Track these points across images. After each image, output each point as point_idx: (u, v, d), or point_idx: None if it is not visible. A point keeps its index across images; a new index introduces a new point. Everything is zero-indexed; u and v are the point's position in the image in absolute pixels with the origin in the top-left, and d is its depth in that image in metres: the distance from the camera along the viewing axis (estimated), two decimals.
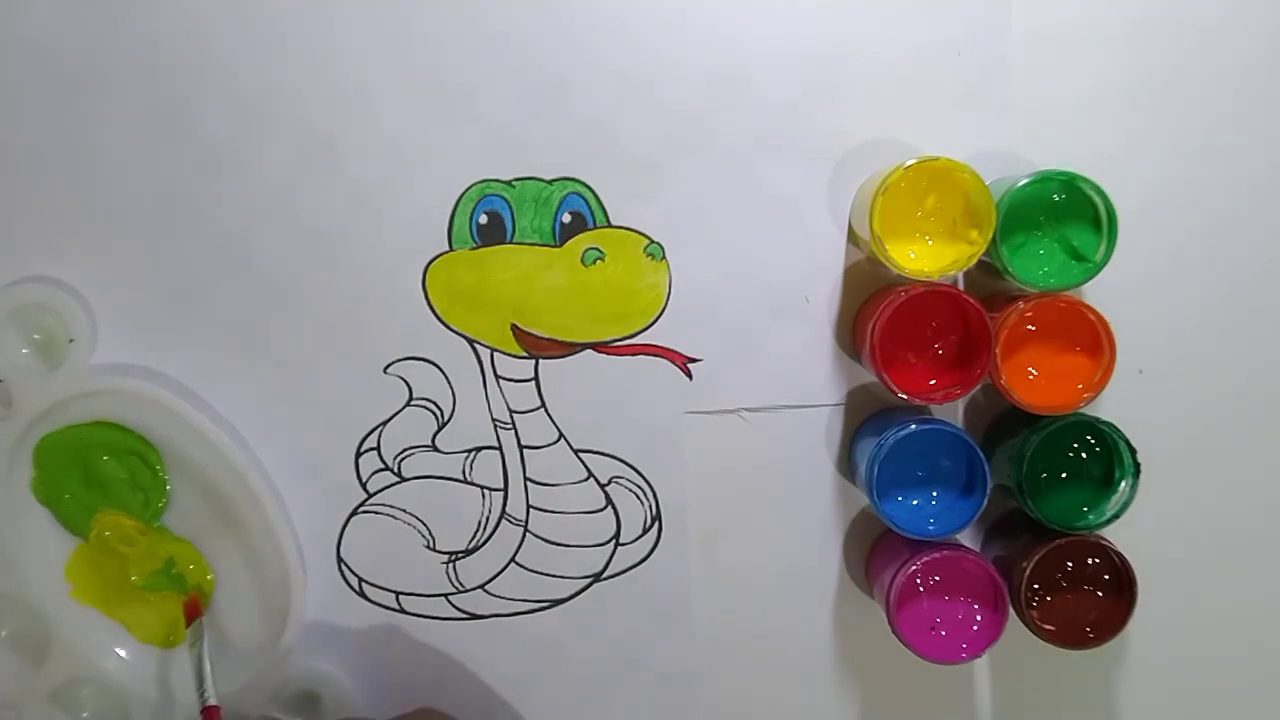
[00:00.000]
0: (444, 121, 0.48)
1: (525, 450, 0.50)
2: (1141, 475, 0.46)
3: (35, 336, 0.48)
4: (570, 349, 0.49)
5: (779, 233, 0.49)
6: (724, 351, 0.50)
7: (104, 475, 0.48)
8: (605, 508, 0.50)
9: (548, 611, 0.51)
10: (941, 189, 0.46)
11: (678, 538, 0.51)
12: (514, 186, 0.49)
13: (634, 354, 0.49)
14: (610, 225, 0.49)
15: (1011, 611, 0.47)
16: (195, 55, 0.48)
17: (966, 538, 0.50)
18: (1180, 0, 0.49)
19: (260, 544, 0.48)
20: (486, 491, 0.50)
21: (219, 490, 0.48)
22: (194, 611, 0.49)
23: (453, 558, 0.51)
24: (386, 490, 0.50)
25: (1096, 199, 0.45)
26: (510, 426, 0.50)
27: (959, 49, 0.48)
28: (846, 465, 0.50)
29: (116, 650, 0.50)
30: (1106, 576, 0.47)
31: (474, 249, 0.49)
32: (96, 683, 0.49)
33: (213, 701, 0.46)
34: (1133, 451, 0.46)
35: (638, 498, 0.50)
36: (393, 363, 0.49)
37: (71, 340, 0.47)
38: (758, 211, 0.49)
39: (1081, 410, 0.46)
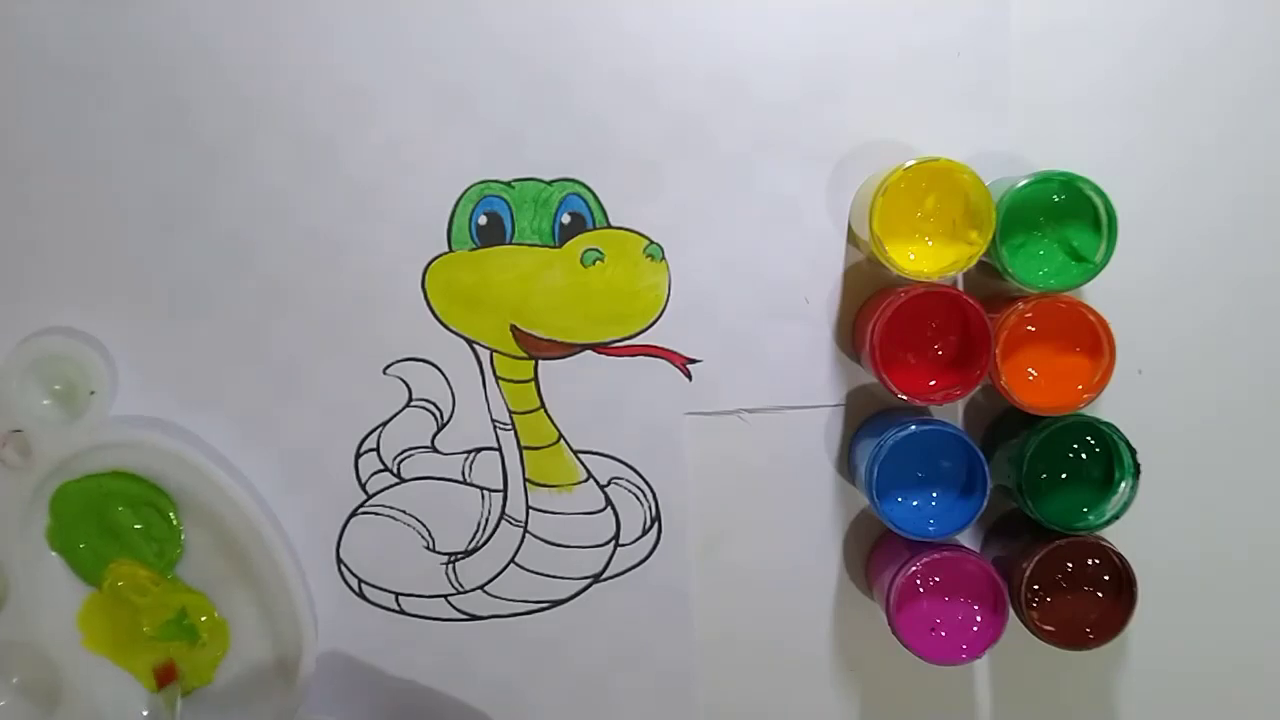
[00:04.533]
0: (444, 121, 0.48)
1: (525, 451, 0.50)
2: (1141, 476, 0.46)
3: (56, 387, 0.48)
4: (570, 350, 0.49)
5: (779, 233, 0.49)
6: (724, 352, 0.49)
7: (119, 525, 0.48)
8: (605, 508, 0.50)
9: (547, 612, 0.51)
10: (941, 190, 0.46)
11: (677, 538, 0.51)
12: (513, 187, 0.49)
13: (633, 355, 0.49)
14: (610, 226, 0.49)
15: (1011, 612, 0.47)
16: (194, 56, 0.47)
17: (966, 538, 0.50)
18: (1180, 1, 0.49)
19: (274, 598, 0.48)
20: (486, 492, 0.50)
21: (234, 544, 0.48)
22: (169, 676, 0.49)
23: (452, 558, 0.51)
24: (386, 491, 0.50)
25: (1096, 199, 0.45)
26: (510, 427, 0.50)
27: (958, 49, 0.48)
28: (846, 466, 0.50)
29: (127, 699, 0.50)
30: (1106, 577, 0.47)
31: (473, 250, 0.49)
32: None
33: None
34: (1132, 452, 0.46)
35: (637, 498, 0.50)
36: (392, 363, 0.49)
37: (92, 392, 0.47)
38: (757, 212, 0.49)
39: (1081, 411, 0.46)
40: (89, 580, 0.49)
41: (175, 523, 0.48)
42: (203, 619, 0.49)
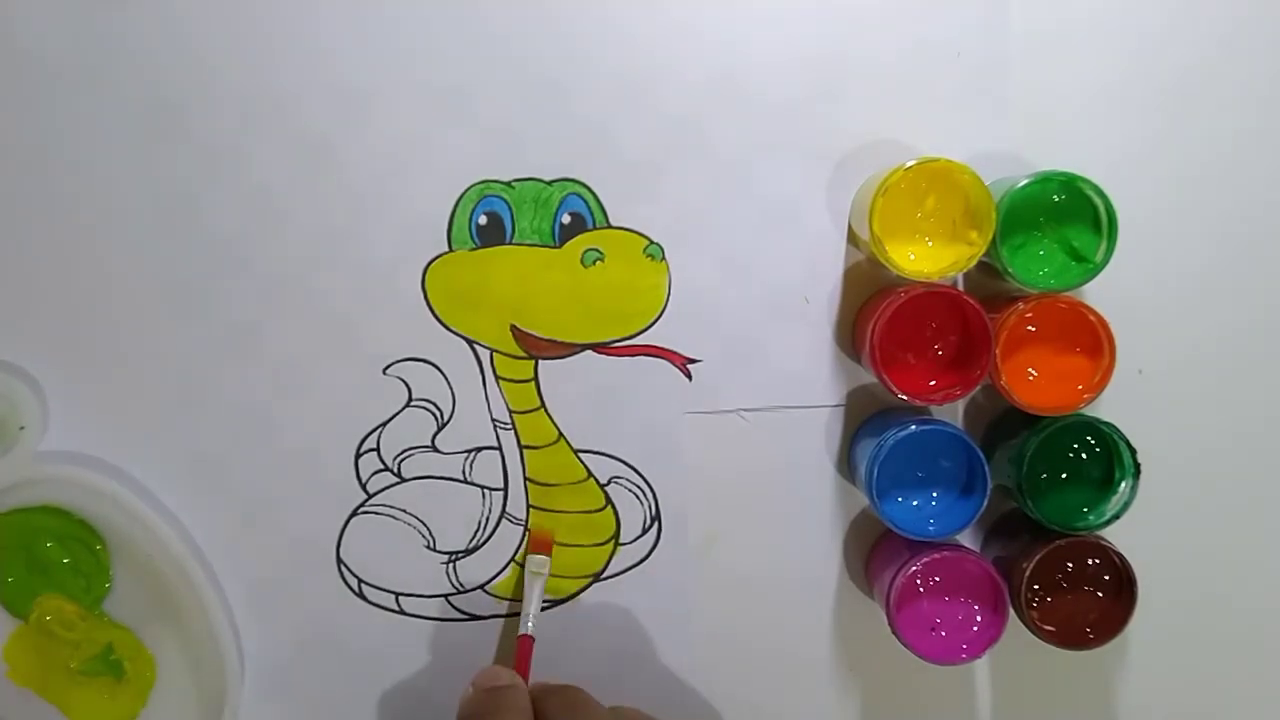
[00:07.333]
0: (444, 122, 0.48)
1: (525, 450, 0.50)
2: (1141, 475, 0.46)
3: None
4: (570, 350, 0.49)
5: (779, 233, 0.49)
6: (724, 352, 0.50)
7: (47, 560, 0.48)
8: (605, 508, 0.50)
9: (547, 612, 0.51)
10: (941, 190, 0.46)
11: (677, 538, 0.51)
12: (513, 187, 0.49)
13: (633, 355, 0.49)
14: (610, 226, 0.49)
15: (1011, 612, 0.47)
16: (193, 57, 0.47)
17: (966, 538, 0.50)
18: (1180, 0, 0.49)
19: (201, 635, 0.49)
20: (486, 491, 0.50)
21: (162, 580, 0.48)
22: (546, 546, 0.50)
23: (452, 558, 0.51)
24: (386, 491, 0.50)
25: (1096, 200, 0.44)
26: (510, 427, 0.50)
27: (958, 49, 0.48)
28: (846, 466, 0.50)
29: None
30: (1106, 577, 0.47)
31: (473, 250, 0.49)
32: None
33: (530, 631, 0.48)
34: (1133, 452, 0.46)
35: (637, 498, 0.50)
36: (392, 363, 0.49)
37: (22, 427, 0.47)
38: (757, 212, 0.49)
39: (1081, 411, 0.46)
40: (16, 613, 0.49)
41: (103, 558, 0.49)
42: (129, 654, 0.49)
